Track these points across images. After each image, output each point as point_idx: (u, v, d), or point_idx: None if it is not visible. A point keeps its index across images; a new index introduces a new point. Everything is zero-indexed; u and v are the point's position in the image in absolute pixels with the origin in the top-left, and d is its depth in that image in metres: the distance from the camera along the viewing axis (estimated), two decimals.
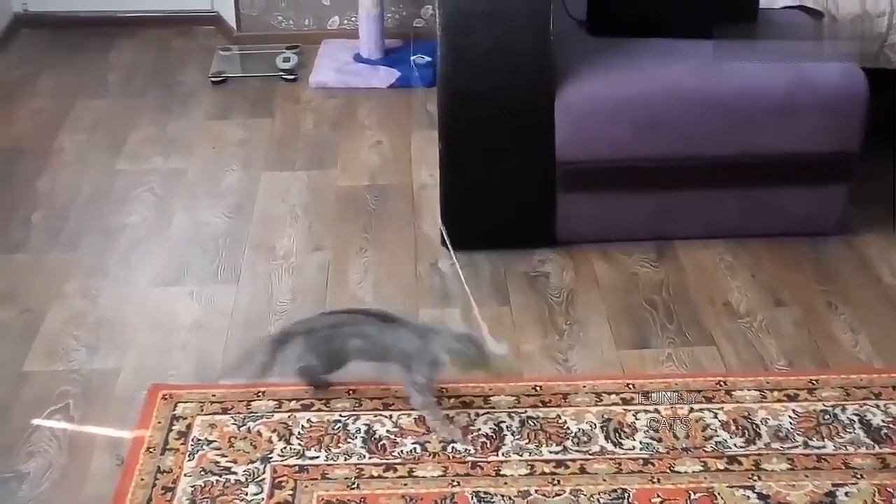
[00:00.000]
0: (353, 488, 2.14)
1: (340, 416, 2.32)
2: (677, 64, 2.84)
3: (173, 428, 2.29)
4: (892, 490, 2.12)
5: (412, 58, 3.87)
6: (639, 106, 2.79)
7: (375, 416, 2.32)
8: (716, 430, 2.27)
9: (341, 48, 4.05)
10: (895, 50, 3.16)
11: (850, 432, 2.27)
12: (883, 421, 2.30)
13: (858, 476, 2.15)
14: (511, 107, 2.78)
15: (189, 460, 2.21)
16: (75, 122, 3.67)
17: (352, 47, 4.00)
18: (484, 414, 2.33)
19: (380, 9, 3.89)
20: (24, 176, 3.34)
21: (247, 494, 2.12)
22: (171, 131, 3.62)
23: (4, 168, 3.38)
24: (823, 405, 2.34)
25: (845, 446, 2.23)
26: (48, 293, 2.77)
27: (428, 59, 3.87)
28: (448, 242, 2.84)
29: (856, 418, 2.30)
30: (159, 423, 2.31)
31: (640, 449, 2.22)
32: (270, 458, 2.21)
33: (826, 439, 2.25)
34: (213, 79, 3.94)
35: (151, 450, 2.24)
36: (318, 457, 2.22)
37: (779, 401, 2.35)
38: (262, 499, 2.11)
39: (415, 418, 2.31)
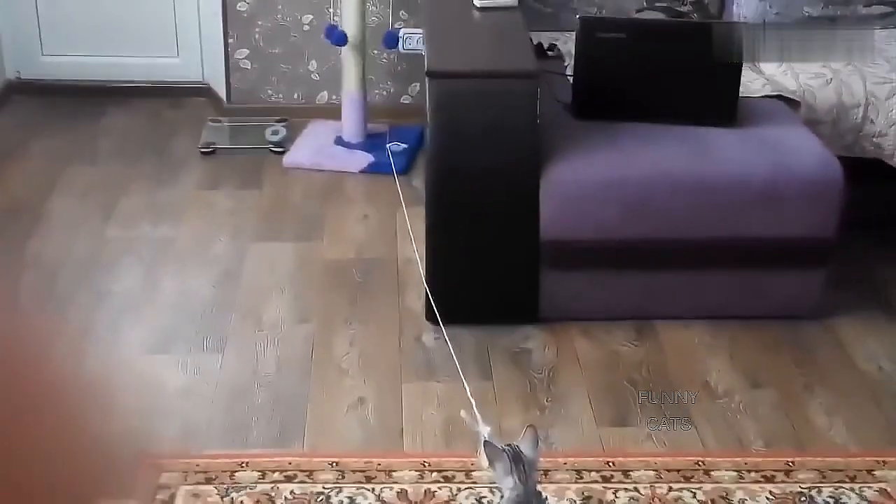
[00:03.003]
0: None
1: (324, 487, 2.34)
2: (661, 148, 2.92)
3: (157, 497, 2.31)
4: None
5: (388, 144, 3.93)
6: (622, 188, 2.87)
7: (358, 489, 2.34)
8: None
9: (325, 129, 4.10)
10: (870, 139, 3.26)
11: None
12: (857, 503, 2.34)
13: None
14: (498, 185, 2.85)
15: None
16: (66, 186, 3.71)
17: (336, 129, 4.05)
18: (466, 489, 2.35)
19: (362, 92, 3.95)
20: (14, 238, 3.37)
21: None
22: (160, 199, 3.66)
23: None
24: (800, 487, 2.38)
25: None
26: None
27: (404, 146, 3.94)
28: (438, 316, 2.88)
29: (832, 501, 2.34)
30: (143, 493, 2.32)
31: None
32: None
33: None
34: (202, 149, 4.00)
35: None
36: None
37: (756, 482, 2.39)
38: None
39: (397, 492, 2.33)
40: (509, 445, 1.98)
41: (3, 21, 4.29)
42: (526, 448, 1.98)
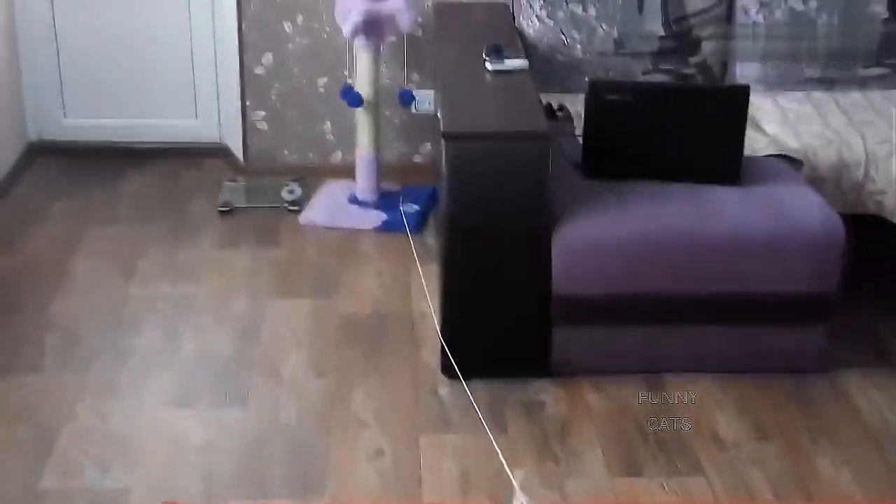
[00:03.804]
0: None
1: None
2: (667, 206, 3.03)
3: None
4: None
5: (401, 206, 4.03)
6: (630, 245, 2.96)
7: None
8: None
9: (340, 189, 4.21)
10: (871, 197, 3.36)
11: None
12: None
13: None
14: (510, 242, 2.95)
15: None
16: (88, 247, 3.81)
17: (350, 188, 4.16)
18: None
19: (375, 152, 4.05)
20: (37, 298, 3.46)
21: None
22: (180, 258, 3.76)
23: (19, 290, 3.51)
24: None
25: None
26: (61, 413, 2.87)
27: (417, 207, 4.03)
28: (458, 370, 2.96)
29: None
30: None
31: None
32: None
33: None
34: (220, 209, 4.10)
35: None
36: None
37: None
38: None
39: None
40: None
41: (27, 84, 4.43)
42: None
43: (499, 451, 2.59)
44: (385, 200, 4.10)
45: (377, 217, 4.02)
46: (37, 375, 3.06)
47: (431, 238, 3.84)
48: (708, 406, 2.96)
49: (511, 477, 2.26)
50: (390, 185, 4.16)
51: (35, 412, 2.89)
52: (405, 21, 3.81)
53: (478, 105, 3.21)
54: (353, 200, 4.13)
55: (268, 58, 4.31)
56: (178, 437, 2.80)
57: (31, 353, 3.16)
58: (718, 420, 2.91)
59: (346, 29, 3.83)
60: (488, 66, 3.35)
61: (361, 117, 4.03)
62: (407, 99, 4.11)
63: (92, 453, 2.72)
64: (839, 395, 3.03)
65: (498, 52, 3.39)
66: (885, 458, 2.78)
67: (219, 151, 4.52)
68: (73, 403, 2.92)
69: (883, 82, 3.85)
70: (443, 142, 2.92)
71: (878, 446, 2.83)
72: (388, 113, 4.25)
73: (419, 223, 3.97)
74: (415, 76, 4.28)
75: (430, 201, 4.08)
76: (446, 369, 3.03)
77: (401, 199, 4.07)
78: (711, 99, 3.22)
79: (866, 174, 3.35)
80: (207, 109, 4.49)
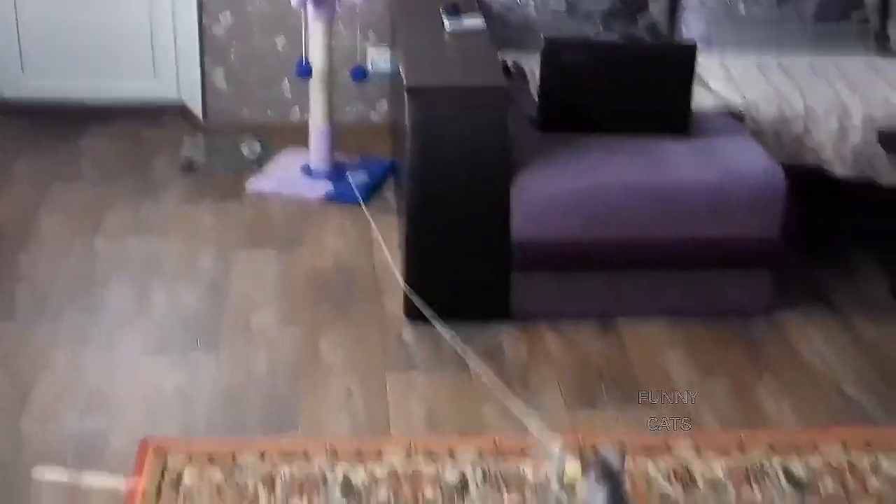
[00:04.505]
0: None
1: (320, 467, 2.54)
2: (619, 158, 3.18)
3: (165, 477, 2.49)
4: None
5: (350, 177, 4.06)
6: (584, 195, 3.11)
7: (352, 467, 2.55)
8: (656, 480, 2.54)
9: (294, 159, 4.23)
10: (811, 151, 3.54)
11: (774, 483, 2.55)
12: (804, 472, 2.59)
13: None
14: (471, 192, 3.08)
15: None
16: (52, 204, 3.87)
17: (306, 158, 4.17)
18: (450, 467, 2.57)
19: (328, 122, 4.06)
20: (5, 253, 3.52)
21: None
22: (144, 214, 3.84)
23: None
24: (752, 459, 2.62)
25: (772, 495, 2.51)
26: (36, 361, 2.96)
27: (366, 178, 4.05)
28: (428, 309, 3.09)
29: (780, 470, 2.59)
30: (151, 473, 2.50)
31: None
32: None
33: (755, 488, 2.53)
34: (182, 166, 4.18)
35: (146, 497, 2.43)
36: None
37: (713, 456, 2.63)
38: None
39: (387, 470, 2.54)
40: (599, 458, 2.16)
41: None
42: (614, 460, 2.16)
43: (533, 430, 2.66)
44: (337, 171, 4.11)
45: (324, 186, 4.04)
46: (10, 323, 3.14)
47: (381, 208, 3.90)
48: (659, 346, 3.13)
49: (543, 433, 2.39)
50: (346, 157, 4.19)
51: (10, 362, 2.97)
52: None
53: (438, 61, 3.33)
54: (307, 171, 4.14)
55: (226, 17, 4.38)
56: (153, 383, 2.91)
57: (2, 305, 3.24)
58: (669, 359, 3.08)
59: (293, 1, 3.83)
60: (446, 24, 3.47)
61: (314, 88, 4.02)
62: (359, 76, 4.10)
63: (69, 399, 2.81)
64: (782, 336, 3.22)
65: (455, 11, 3.51)
66: (821, 392, 2.97)
67: (178, 110, 4.59)
68: (48, 351, 3.01)
69: (822, 44, 4.02)
70: (406, 96, 3.04)
71: (815, 382, 3.02)
72: (345, 72, 4.34)
73: (368, 194, 3.98)
74: (370, 35, 4.38)
75: (382, 173, 4.11)
76: (410, 314, 3.17)
77: (349, 171, 4.09)
78: (661, 56, 3.37)
79: (805, 129, 3.53)
80: (166, 68, 4.55)
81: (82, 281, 3.40)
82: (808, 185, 3.42)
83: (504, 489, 2.50)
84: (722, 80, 3.71)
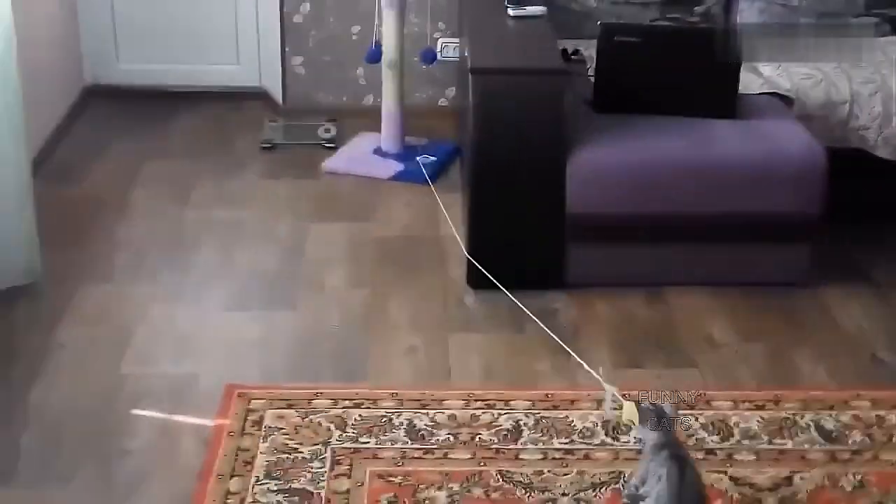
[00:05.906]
0: (399, 465, 2.62)
1: (386, 412, 2.82)
2: (669, 137, 3.40)
3: (248, 418, 2.78)
4: (837, 477, 2.60)
5: (418, 157, 4.30)
6: (635, 170, 3.34)
7: (415, 413, 2.81)
8: (696, 430, 2.77)
9: (368, 141, 4.48)
10: (855, 133, 3.72)
11: (806, 434, 2.76)
12: (834, 426, 2.79)
13: (812, 466, 2.64)
14: (529, 168, 3.33)
15: (263, 442, 2.69)
16: (145, 179, 4.20)
17: (379, 140, 4.44)
18: (505, 414, 2.82)
19: (399, 107, 4.32)
20: (103, 223, 3.85)
21: (312, 468, 2.60)
22: (228, 188, 4.15)
23: (86, 217, 3.90)
24: (786, 413, 2.83)
25: (802, 444, 2.72)
26: (134, 316, 3.27)
27: (433, 158, 4.31)
28: (486, 275, 3.32)
29: (812, 424, 2.80)
30: (236, 414, 2.80)
31: (634, 443, 2.70)
32: (329, 442, 2.70)
33: (787, 438, 2.74)
34: (263, 145, 4.49)
35: (232, 434, 2.72)
36: (368, 442, 2.70)
37: (749, 410, 2.85)
38: (325, 472, 2.59)
39: (447, 415, 2.80)
40: (653, 405, 2.38)
41: (83, 31, 4.81)
42: (668, 408, 2.38)
43: (573, 353, 2.92)
44: (406, 153, 4.37)
45: (394, 166, 4.31)
46: (110, 285, 3.46)
47: (446, 187, 4.14)
48: (702, 314, 3.35)
49: (594, 373, 2.60)
50: (416, 139, 4.45)
51: (111, 315, 3.30)
52: None
53: (501, 46, 3.58)
54: (378, 152, 4.41)
55: (305, 6, 4.68)
56: (236, 335, 3.20)
57: (103, 267, 3.57)
58: (711, 325, 3.29)
59: None
60: (510, 11, 3.72)
61: (387, 74, 4.28)
62: (429, 58, 4.39)
63: (163, 347, 3.13)
64: (819, 305, 3.41)
65: (519, 0, 3.76)
66: (855, 357, 3.16)
67: (259, 95, 4.90)
68: (144, 307, 3.32)
69: (874, 30, 4.19)
70: (470, 76, 3.29)
71: (850, 349, 3.21)
72: (415, 59, 4.60)
73: (435, 174, 4.22)
74: (440, 24, 4.64)
75: (448, 155, 4.36)
76: (472, 280, 3.43)
77: (418, 153, 4.34)
78: (711, 41, 3.57)
79: (850, 112, 3.71)
80: (249, 56, 4.87)
81: (173, 246, 3.71)
82: (850, 165, 3.60)
83: (554, 435, 2.74)
84: (771, 65, 3.90)
